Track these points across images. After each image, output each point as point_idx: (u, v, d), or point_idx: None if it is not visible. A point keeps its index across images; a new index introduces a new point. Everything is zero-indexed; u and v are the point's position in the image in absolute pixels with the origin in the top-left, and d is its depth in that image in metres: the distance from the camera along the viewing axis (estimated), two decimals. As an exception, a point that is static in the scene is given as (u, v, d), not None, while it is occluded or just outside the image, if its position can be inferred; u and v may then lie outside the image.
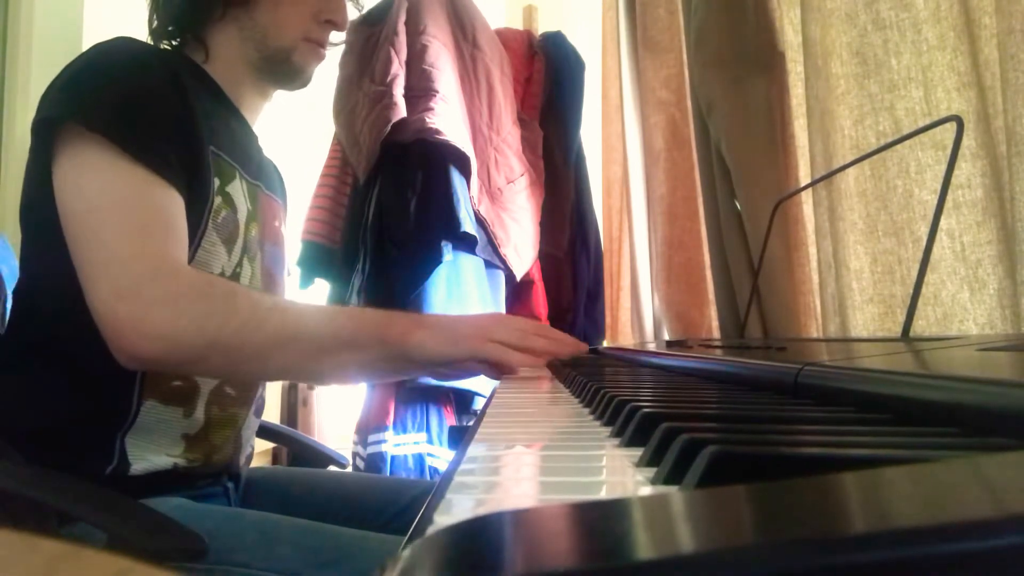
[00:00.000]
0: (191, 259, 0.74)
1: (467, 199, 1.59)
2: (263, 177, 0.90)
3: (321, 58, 0.88)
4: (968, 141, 0.93)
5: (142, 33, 0.83)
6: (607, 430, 0.36)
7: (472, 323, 0.76)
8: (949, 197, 0.91)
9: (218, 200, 0.77)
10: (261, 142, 0.93)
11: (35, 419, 0.71)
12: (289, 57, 0.84)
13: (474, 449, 0.32)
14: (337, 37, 0.90)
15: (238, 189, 0.82)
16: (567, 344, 0.78)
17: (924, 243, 0.76)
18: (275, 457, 2.28)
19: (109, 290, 0.64)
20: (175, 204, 0.70)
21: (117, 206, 0.67)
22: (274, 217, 0.91)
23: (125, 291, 0.64)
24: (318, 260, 1.73)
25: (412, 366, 0.76)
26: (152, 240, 0.67)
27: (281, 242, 0.94)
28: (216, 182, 0.77)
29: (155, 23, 0.84)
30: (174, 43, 0.85)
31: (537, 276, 1.82)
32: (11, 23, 1.61)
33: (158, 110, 0.72)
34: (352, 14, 0.94)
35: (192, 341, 0.65)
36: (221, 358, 0.67)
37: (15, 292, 0.77)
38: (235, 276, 0.80)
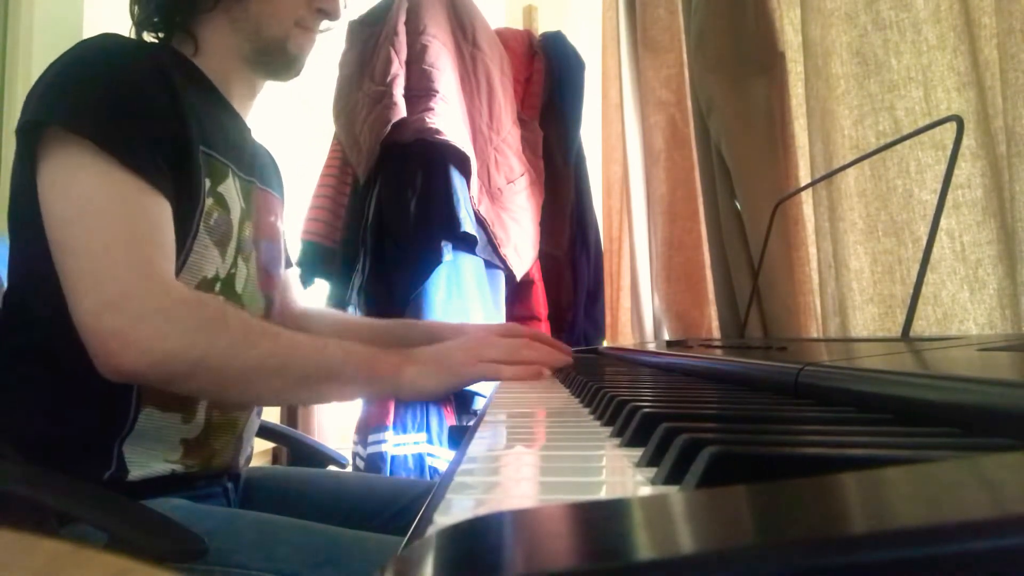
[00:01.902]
0: (183, 263, 0.73)
1: (467, 199, 1.59)
2: (256, 172, 0.88)
3: (313, 42, 0.87)
4: (968, 141, 0.93)
5: (141, 32, 0.83)
6: (607, 430, 0.36)
7: (461, 347, 0.76)
8: (949, 197, 0.91)
9: (209, 201, 0.76)
10: (254, 134, 0.92)
11: (30, 426, 0.70)
12: (284, 46, 0.83)
13: (474, 449, 0.32)
14: (326, 25, 0.89)
15: (231, 188, 0.81)
16: (559, 353, 0.79)
17: (924, 243, 0.76)
18: (275, 457, 2.28)
19: (95, 301, 0.63)
20: (163, 212, 0.69)
21: (104, 214, 0.65)
22: (269, 213, 0.90)
23: (112, 303, 0.63)
24: (318, 260, 1.73)
25: (403, 399, 0.76)
26: (140, 251, 0.65)
27: (277, 238, 0.92)
28: (207, 183, 0.75)
29: (139, 12, 0.82)
30: (160, 35, 0.83)
31: (537, 276, 1.82)
32: (11, 22, 1.62)
33: (146, 111, 0.70)
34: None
35: (179, 358, 0.63)
36: (207, 378, 0.66)
37: (5, 296, 0.76)
38: (230, 277, 0.79)
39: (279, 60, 0.84)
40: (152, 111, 0.70)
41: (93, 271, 0.64)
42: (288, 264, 1.05)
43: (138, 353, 0.62)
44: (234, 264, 0.80)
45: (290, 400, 0.79)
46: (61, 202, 0.66)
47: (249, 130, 0.90)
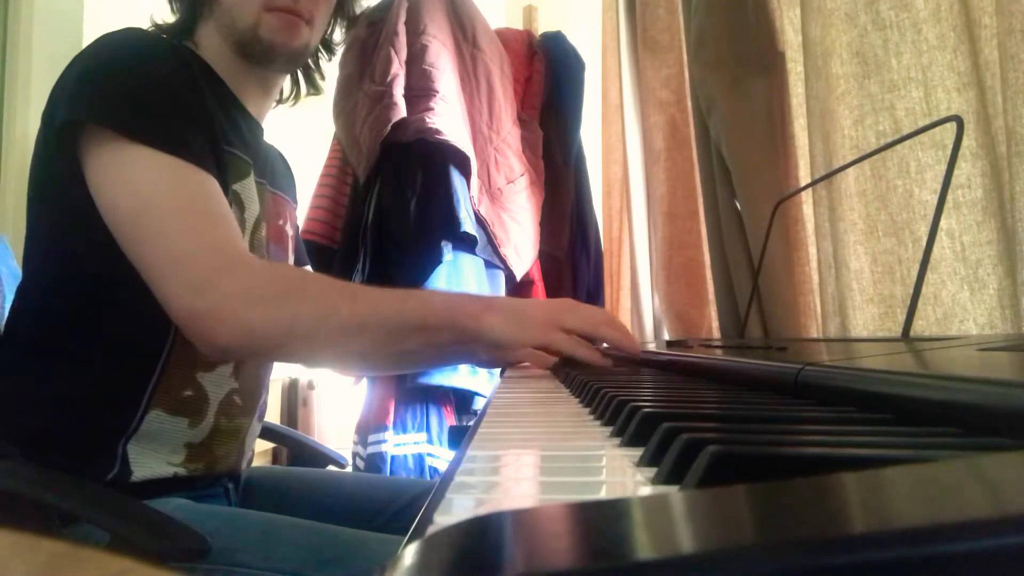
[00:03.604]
0: None
1: (467, 199, 1.59)
2: (268, 174, 0.89)
3: (292, 25, 0.80)
4: (968, 141, 0.93)
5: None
6: (607, 430, 0.36)
7: (542, 309, 0.75)
8: (949, 197, 0.91)
9: (228, 199, 0.76)
10: (266, 136, 0.92)
11: (35, 423, 0.70)
12: (256, 33, 0.79)
13: (474, 449, 0.32)
14: (309, 5, 0.81)
15: (250, 187, 0.81)
16: (631, 342, 0.76)
17: (924, 243, 0.76)
18: (275, 457, 2.28)
19: (183, 285, 0.64)
20: (219, 192, 0.71)
21: (172, 201, 0.66)
22: (278, 216, 0.90)
23: (197, 284, 0.64)
24: (318, 259, 1.73)
25: (482, 348, 0.75)
26: (214, 231, 0.67)
27: (285, 241, 0.92)
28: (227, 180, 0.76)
29: (156, 24, 0.84)
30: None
31: (537, 276, 1.82)
32: (11, 23, 1.61)
33: (181, 103, 0.71)
34: None
35: (270, 330, 0.65)
36: (298, 345, 0.68)
37: (18, 290, 0.76)
38: None
39: (258, 50, 0.81)
40: (187, 102, 0.72)
41: (173, 257, 0.65)
42: (303, 262, 1.05)
43: (231, 330, 0.64)
44: None
45: (380, 356, 0.78)
46: (127, 198, 0.66)
47: (263, 132, 0.90)
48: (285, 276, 0.70)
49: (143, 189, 0.66)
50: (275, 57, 0.82)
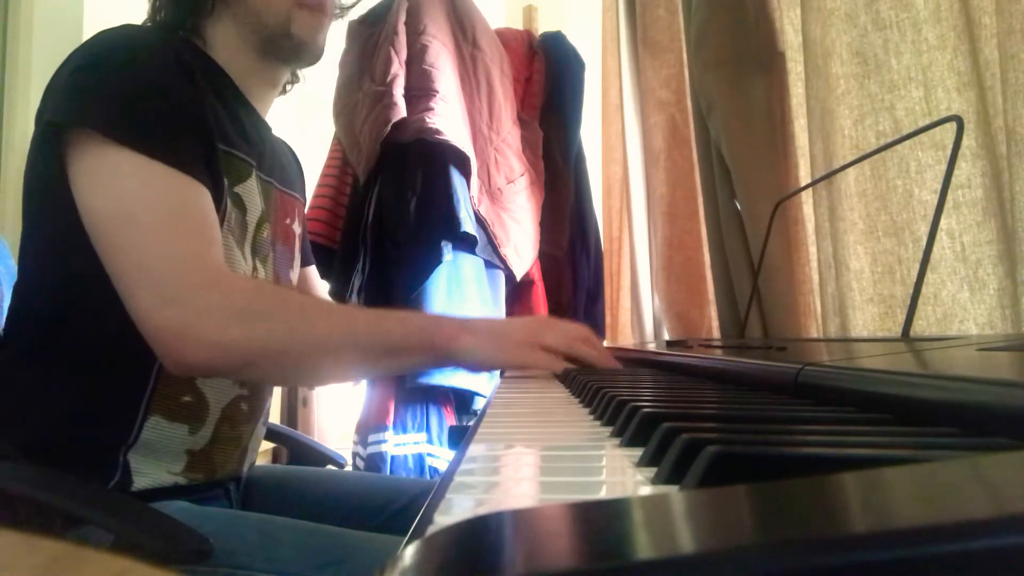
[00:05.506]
0: None
1: (467, 199, 1.59)
2: (276, 172, 0.87)
3: (320, 22, 0.82)
4: (968, 141, 0.93)
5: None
6: (607, 430, 0.36)
7: (521, 328, 0.74)
8: (949, 197, 0.91)
9: (228, 202, 0.75)
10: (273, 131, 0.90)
11: (34, 431, 0.69)
12: (288, 30, 0.79)
13: (474, 449, 0.32)
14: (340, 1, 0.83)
15: (252, 188, 0.79)
16: (609, 358, 0.77)
17: (924, 243, 0.76)
18: (275, 457, 2.28)
19: (153, 298, 0.63)
20: (206, 201, 0.68)
21: (151, 209, 0.64)
22: (285, 215, 0.89)
23: (170, 300, 0.62)
24: (318, 260, 1.72)
25: (459, 368, 0.75)
26: (191, 243, 0.65)
27: (292, 240, 0.91)
28: (225, 182, 0.74)
29: (151, 22, 0.82)
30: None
31: (537, 276, 1.82)
32: (11, 21, 1.61)
33: (174, 106, 0.69)
34: None
35: (242, 347, 0.64)
36: (271, 364, 0.66)
37: (15, 290, 0.76)
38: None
39: (287, 46, 0.81)
40: (179, 105, 0.70)
41: (148, 269, 0.63)
42: (308, 262, 1.05)
43: (202, 347, 0.62)
44: (255, 268, 0.80)
45: (353, 376, 0.77)
46: (104, 202, 0.65)
47: (269, 128, 0.89)
48: (261, 292, 0.68)
49: (122, 194, 0.64)
50: (302, 55, 0.83)
